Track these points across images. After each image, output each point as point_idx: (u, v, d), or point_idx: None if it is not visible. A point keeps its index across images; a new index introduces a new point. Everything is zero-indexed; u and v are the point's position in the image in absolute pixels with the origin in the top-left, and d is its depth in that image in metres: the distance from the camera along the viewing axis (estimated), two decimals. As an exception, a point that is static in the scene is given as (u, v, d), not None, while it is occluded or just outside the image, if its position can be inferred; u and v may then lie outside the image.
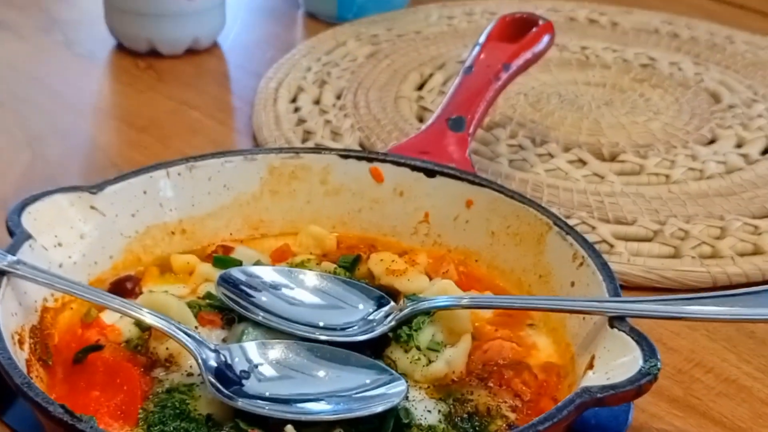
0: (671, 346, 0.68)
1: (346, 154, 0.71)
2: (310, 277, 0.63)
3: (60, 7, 1.18)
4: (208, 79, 1.01)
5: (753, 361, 0.67)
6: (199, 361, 0.55)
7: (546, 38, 0.82)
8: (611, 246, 0.75)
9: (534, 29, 0.82)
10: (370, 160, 0.71)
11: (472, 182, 0.69)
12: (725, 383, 0.65)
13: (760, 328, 0.70)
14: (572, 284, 0.62)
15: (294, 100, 0.94)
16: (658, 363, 0.53)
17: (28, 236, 0.61)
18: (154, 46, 1.03)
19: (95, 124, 0.94)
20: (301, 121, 0.91)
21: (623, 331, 0.55)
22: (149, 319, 0.57)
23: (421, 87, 0.98)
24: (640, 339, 0.54)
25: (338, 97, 0.95)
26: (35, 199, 0.64)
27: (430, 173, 0.70)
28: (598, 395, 0.51)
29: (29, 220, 0.62)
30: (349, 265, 0.67)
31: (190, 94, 0.97)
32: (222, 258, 0.67)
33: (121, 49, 1.04)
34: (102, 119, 0.95)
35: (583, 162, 0.86)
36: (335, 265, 0.66)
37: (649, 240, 0.76)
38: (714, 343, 0.68)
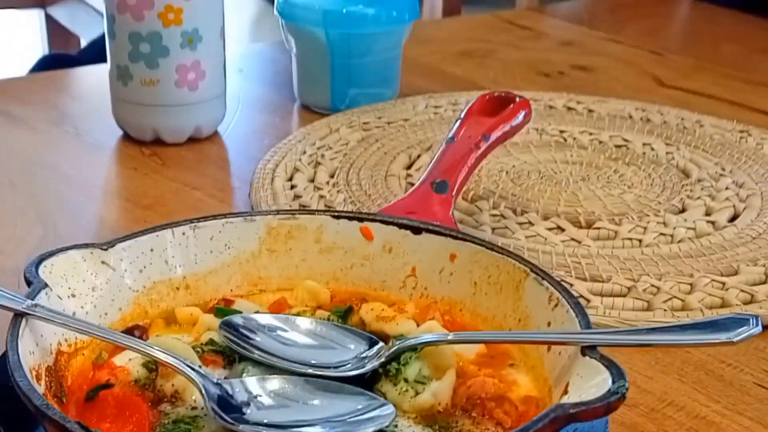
0: (645, 388, 0.72)
1: (338, 215, 0.76)
2: (306, 323, 0.68)
3: (70, 102, 1.25)
4: (209, 163, 1.07)
5: (722, 401, 0.71)
6: (203, 391, 0.60)
7: (522, 113, 0.89)
8: (588, 301, 0.80)
9: (511, 105, 0.89)
10: (360, 219, 0.76)
11: (455, 237, 0.74)
12: (695, 420, 0.69)
13: (728, 372, 0.74)
14: (548, 324, 0.67)
15: (290, 179, 1.01)
16: (626, 384, 0.57)
17: (45, 285, 0.66)
18: (159, 135, 1.09)
19: (103, 204, 1.00)
20: (296, 197, 0.97)
21: (594, 358, 0.60)
22: (158, 354, 0.61)
23: (409, 167, 1.05)
24: (610, 364, 0.59)
25: (332, 176, 1.01)
26: (51, 254, 0.69)
27: (417, 230, 0.75)
28: (571, 411, 0.55)
29: (45, 272, 0.67)
30: (342, 314, 0.71)
31: (192, 177, 1.04)
32: (223, 309, 0.72)
33: (128, 138, 1.11)
34: (109, 199, 1.01)
35: (561, 229, 0.91)
36: (329, 313, 0.71)
37: (623, 295, 0.81)
38: (685, 385, 0.73)
